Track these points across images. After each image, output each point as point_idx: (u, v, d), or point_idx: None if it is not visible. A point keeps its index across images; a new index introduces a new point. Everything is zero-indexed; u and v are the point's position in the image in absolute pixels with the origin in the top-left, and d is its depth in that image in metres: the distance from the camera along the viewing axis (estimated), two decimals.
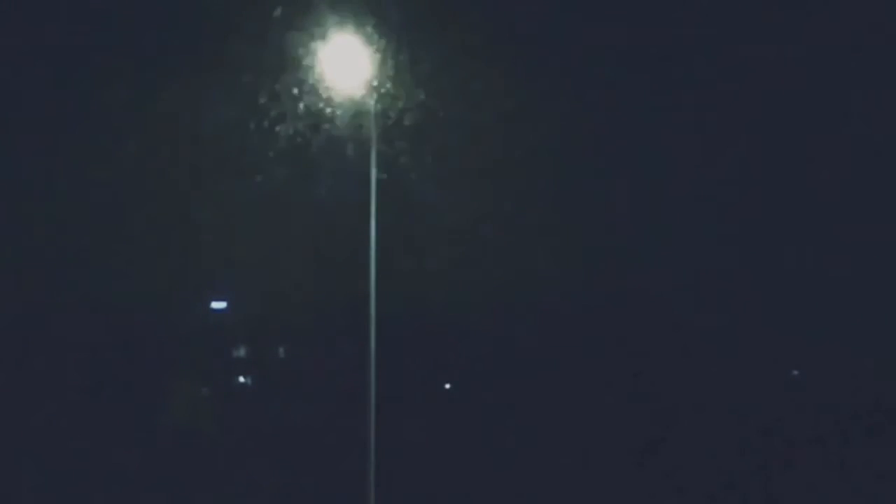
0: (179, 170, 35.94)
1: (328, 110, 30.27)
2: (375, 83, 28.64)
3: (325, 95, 29.88)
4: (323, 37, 28.41)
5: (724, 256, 37.63)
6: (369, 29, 29.00)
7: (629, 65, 37.45)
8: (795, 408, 35.92)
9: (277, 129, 33.48)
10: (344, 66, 27.92)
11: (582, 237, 37.41)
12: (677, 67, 37.58)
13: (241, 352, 39.04)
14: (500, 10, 35.44)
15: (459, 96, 34.53)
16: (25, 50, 36.22)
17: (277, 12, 31.64)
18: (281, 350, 39.05)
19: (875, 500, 33.12)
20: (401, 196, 32.87)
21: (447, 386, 38.48)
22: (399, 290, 33.28)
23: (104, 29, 36.37)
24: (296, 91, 31.79)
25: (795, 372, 37.83)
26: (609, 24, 37.25)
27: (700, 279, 37.63)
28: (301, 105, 31.92)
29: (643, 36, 37.34)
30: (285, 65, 31.87)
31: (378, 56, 29.08)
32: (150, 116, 35.55)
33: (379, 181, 27.57)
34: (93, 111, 36.21)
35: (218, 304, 38.69)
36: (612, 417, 35.25)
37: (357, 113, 28.86)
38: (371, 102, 28.38)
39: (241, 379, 39.09)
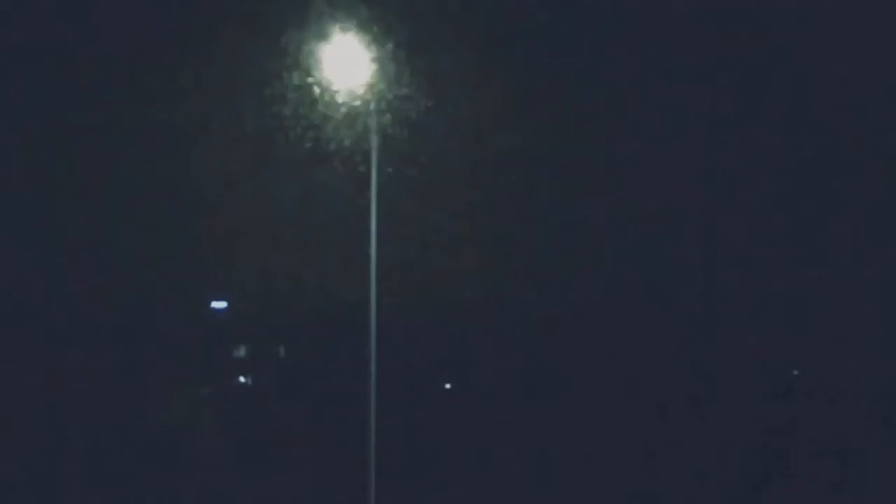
0: (179, 169, 35.95)
1: (329, 110, 30.30)
2: (376, 82, 28.66)
3: (325, 95, 29.90)
4: (324, 37, 28.43)
5: (724, 256, 37.64)
6: (370, 29, 29.01)
7: (629, 64, 37.47)
8: (795, 407, 35.94)
9: (278, 128, 33.50)
10: (344, 65, 27.95)
11: (583, 236, 37.43)
12: (676, 63, 37.63)
13: (241, 352, 39.02)
14: (500, 10, 35.47)
15: (460, 96, 34.56)
16: (26, 46, 36.25)
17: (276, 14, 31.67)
18: (281, 350, 39.03)
19: (875, 499, 33.15)
20: (401, 195, 32.86)
21: (447, 386, 38.47)
22: (399, 290, 33.29)
23: (101, 28, 36.38)
24: (297, 91, 31.81)
25: (795, 372, 37.81)
26: (610, 24, 37.28)
27: (700, 279, 37.64)
28: (302, 105, 31.94)
29: (643, 35, 37.38)
30: (286, 65, 31.89)
31: (378, 55, 29.09)
32: (149, 115, 35.55)
33: (379, 181, 27.58)
34: (92, 110, 36.22)
35: (218, 304, 38.68)
36: (612, 417, 35.25)
37: (358, 112, 28.87)
38: (371, 102, 28.39)
39: (241, 379, 39.08)
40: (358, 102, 28.72)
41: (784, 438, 35.11)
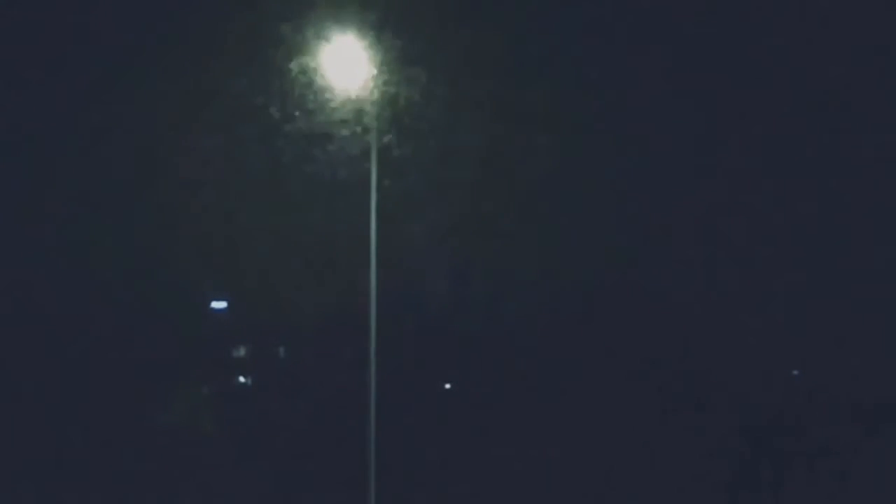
0: (180, 169, 35.94)
1: (329, 110, 30.33)
2: (376, 83, 28.69)
3: (326, 95, 29.94)
4: (324, 37, 28.46)
5: (724, 255, 37.64)
6: (370, 30, 29.04)
7: (629, 64, 37.47)
8: (795, 408, 35.96)
9: (278, 129, 33.53)
10: (345, 66, 27.98)
11: (582, 236, 37.41)
12: (676, 63, 37.63)
13: (241, 352, 39.03)
14: (500, 11, 35.49)
15: (459, 97, 34.57)
16: (25, 46, 36.26)
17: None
18: (281, 350, 39.04)
19: (875, 499, 33.16)
20: (401, 196, 32.88)
21: (447, 386, 38.47)
22: (399, 291, 33.30)
23: (102, 27, 36.39)
24: (297, 91, 31.84)
25: (795, 372, 37.82)
26: (609, 25, 37.29)
27: (700, 278, 37.64)
28: (302, 105, 31.97)
29: (643, 35, 37.39)
30: (286, 65, 31.92)
31: (379, 56, 29.12)
32: (150, 116, 35.57)
33: (379, 181, 27.61)
34: (92, 110, 36.23)
35: (218, 304, 38.68)
36: (612, 417, 35.25)
37: (358, 113, 28.90)
38: (371, 102, 28.43)
39: (241, 379, 39.09)
40: (358, 103, 28.74)
41: (784, 438, 35.12)
